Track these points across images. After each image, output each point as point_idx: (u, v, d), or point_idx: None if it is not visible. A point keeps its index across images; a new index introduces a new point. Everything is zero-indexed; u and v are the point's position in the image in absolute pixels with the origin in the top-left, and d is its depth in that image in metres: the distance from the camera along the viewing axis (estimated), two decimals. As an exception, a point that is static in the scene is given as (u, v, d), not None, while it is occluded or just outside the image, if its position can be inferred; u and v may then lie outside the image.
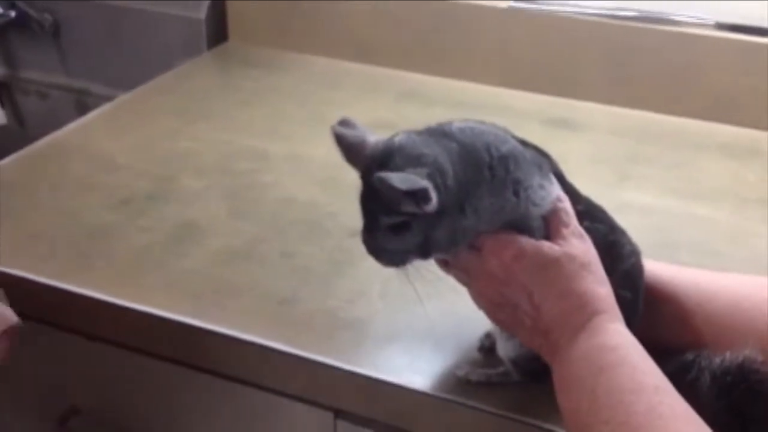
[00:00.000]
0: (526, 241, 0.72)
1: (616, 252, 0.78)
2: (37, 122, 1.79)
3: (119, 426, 1.06)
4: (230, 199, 1.14)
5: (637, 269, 0.80)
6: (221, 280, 0.98)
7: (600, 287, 0.73)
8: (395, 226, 0.71)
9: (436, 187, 0.69)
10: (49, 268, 0.99)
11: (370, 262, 0.75)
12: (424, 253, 0.73)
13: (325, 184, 1.16)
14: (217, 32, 1.61)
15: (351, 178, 0.74)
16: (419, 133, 0.74)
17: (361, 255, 0.74)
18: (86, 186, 1.15)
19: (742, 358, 0.74)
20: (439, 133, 0.73)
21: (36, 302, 1.00)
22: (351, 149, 0.74)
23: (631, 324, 0.73)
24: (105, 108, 1.40)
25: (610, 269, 0.75)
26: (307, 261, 1.02)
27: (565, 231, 0.74)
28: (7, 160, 1.21)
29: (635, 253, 0.80)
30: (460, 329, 0.89)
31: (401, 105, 1.41)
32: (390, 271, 0.75)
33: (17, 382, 1.09)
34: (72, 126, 1.34)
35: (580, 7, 1.41)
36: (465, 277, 0.77)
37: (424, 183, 0.68)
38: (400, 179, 0.67)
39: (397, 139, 0.72)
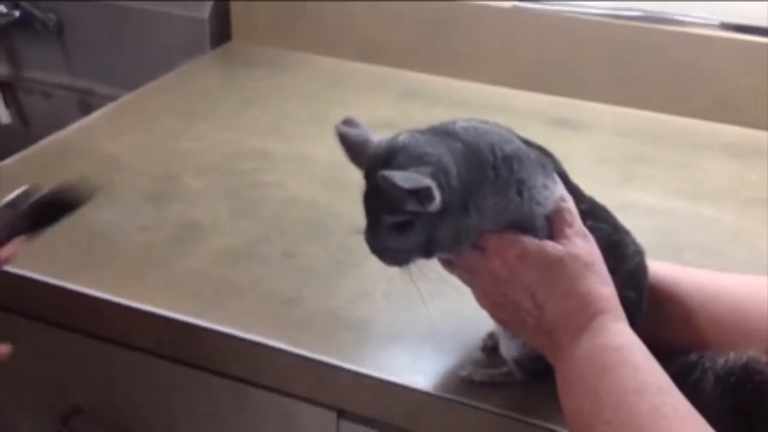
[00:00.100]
0: (529, 241, 0.72)
1: (619, 252, 0.78)
2: (40, 122, 1.79)
3: (121, 425, 1.05)
4: (232, 199, 1.14)
5: (641, 269, 0.80)
6: (223, 280, 0.98)
7: (603, 287, 0.73)
8: (398, 225, 0.71)
9: (440, 186, 0.69)
10: (50, 268, 0.99)
11: (373, 262, 0.74)
12: (428, 253, 0.73)
13: (328, 184, 1.16)
14: (221, 32, 1.61)
15: (354, 178, 0.74)
16: (423, 132, 0.74)
17: (363, 254, 0.74)
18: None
19: (746, 358, 0.73)
20: (442, 133, 0.73)
21: (37, 302, 1.00)
22: (354, 148, 0.74)
23: (634, 324, 0.73)
24: (108, 108, 1.40)
25: (614, 269, 0.75)
26: (309, 261, 1.01)
27: (568, 231, 0.73)
28: (10, 159, 1.21)
29: (639, 253, 0.80)
30: (463, 329, 0.89)
31: (404, 104, 1.41)
32: (393, 271, 0.74)
33: (19, 381, 1.09)
34: (75, 126, 1.34)
35: (584, 7, 1.41)
36: (468, 276, 0.76)
37: (428, 182, 0.68)
38: (403, 178, 0.67)
39: (400, 139, 0.72)
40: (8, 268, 0.99)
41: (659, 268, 0.82)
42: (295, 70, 1.53)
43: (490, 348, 0.86)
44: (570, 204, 0.75)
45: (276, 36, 1.59)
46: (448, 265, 0.77)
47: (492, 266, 0.73)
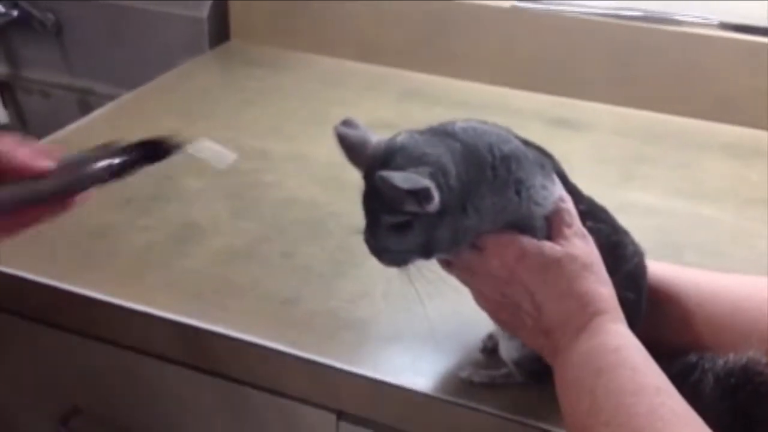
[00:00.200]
0: (528, 241, 0.72)
1: (618, 252, 0.78)
2: (39, 121, 1.79)
3: (120, 426, 1.05)
4: (232, 199, 1.14)
5: (640, 270, 0.80)
6: (223, 280, 0.98)
7: (602, 288, 0.73)
8: (397, 225, 0.71)
9: (439, 187, 0.69)
10: (49, 268, 0.99)
11: (373, 263, 0.74)
12: (427, 253, 0.73)
13: (328, 184, 1.16)
14: (219, 31, 1.61)
15: (354, 178, 0.74)
16: (422, 132, 0.73)
17: (363, 255, 0.74)
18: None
19: (746, 359, 0.73)
20: (441, 133, 0.73)
21: (37, 303, 1.00)
22: (353, 149, 0.74)
23: (633, 325, 0.73)
24: (107, 107, 1.40)
25: (613, 270, 0.75)
26: (308, 261, 1.01)
27: (567, 231, 0.73)
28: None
29: (638, 254, 0.80)
30: (463, 330, 0.89)
31: (404, 104, 1.41)
32: (392, 272, 0.74)
33: (18, 382, 1.09)
34: (74, 125, 1.33)
35: (583, 6, 1.41)
36: (467, 277, 0.76)
37: (427, 182, 0.68)
38: (402, 178, 0.67)
39: (399, 139, 0.72)
40: (7, 269, 0.99)
41: (658, 268, 0.82)
42: (295, 70, 1.53)
43: (490, 349, 0.86)
44: (569, 204, 0.75)
45: (275, 36, 1.59)
46: (447, 265, 0.77)
47: (491, 267, 0.73)
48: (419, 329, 0.90)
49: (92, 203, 1.11)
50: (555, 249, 0.72)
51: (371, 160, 0.72)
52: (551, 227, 0.74)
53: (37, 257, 1.01)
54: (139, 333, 0.95)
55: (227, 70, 1.56)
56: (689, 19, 1.36)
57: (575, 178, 0.79)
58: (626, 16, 1.39)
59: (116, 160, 0.85)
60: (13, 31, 1.76)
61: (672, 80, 1.37)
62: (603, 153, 1.28)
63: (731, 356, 0.74)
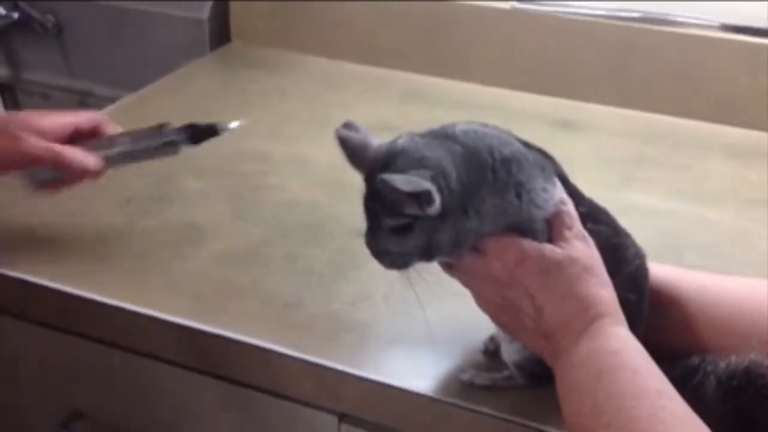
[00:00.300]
0: (528, 244, 0.72)
1: (619, 255, 0.78)
2: (40, 123, 1.79)
3: (122, 429, 1.05)
4: (233, 201, 1.14)
5: (642, 272, 0.80)
6: (224, 283, 0.98)
7: (603, 290, 0.73)
8: (398, 228, 0.71)
9: (440, 190, 0.69)
10: (51, 271, 0.99)
11: (374, 265, 0.74)
12: (427, 256, 0.73)
13: (329, 187, 1.16)
14: (220, 33, 1.61)
15: (355, 180, 0.74)
16: (422, 135, 0.73)
17: (364, 258, 0.74)
18: (88, 187, 1.15)
19: (748, 362, 0.73)
20: (442, 136, 0.73)
21: (38, 305, 1.00)
22: (355, 152, 0.74)
23: (634, 327, 0.73)
24: (108, 109, 1.40)
25: (614, 272, 0.75)
26: (310, 263, 1.01)
27: (568, 234, 0.73)
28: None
29: (639, 256, 0.80)
30: (464, 332, 0.89)
31: (405, 106, 1.41)
32: (393, 275, 0.74)
33: (20, 385, 1.09)
34: (75, 127, 1.33)
35: (584, 8, 1.41)
36: (468, 279, 0.76)
37: (428, 185, 0.68)
38: (403, 181, 0.67)
39: (400, 142, 0.72)
40: (9, 272, 0.99)
41: (660, 270, 0.82)
42: (295, 72, 1.53)
43: (492, 352, 0.86)
44: (569, 207, 0.75)
45: (276, 37, 1.59)
46: (448, 268, 0.77)
47: (491, 269, 0.73)
48: (420, 332, 0.89)
49: (92, 205, 1.12)
50: (556, 251, 0.72)
51: (372, 163, 0.72)
52: (552, 230, 0.74)
53: (38, 260, 1.01)
54: (141, 336, 0.95)
55: (228, 72, 1.56)
56: (690, 21, 1.36)
57: (576, 180, 0.79)
58: (627, 18, 1.39)
59: (170, 138, 1.04)
60: (13, 33, 1.76)
61: (672, 81, 1.37)
62: (604, 155, 1.28)
63: (733, 359, 0.74)
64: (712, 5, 1.36)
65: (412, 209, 0.69)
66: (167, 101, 1.41)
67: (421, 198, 0.68)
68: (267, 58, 1.57)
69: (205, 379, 0.95)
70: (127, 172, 1.16)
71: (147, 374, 0.99)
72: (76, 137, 1.00)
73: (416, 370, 0.85)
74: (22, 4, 1.71)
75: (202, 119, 1.19)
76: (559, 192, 0.75)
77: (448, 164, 0.70)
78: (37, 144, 0.95)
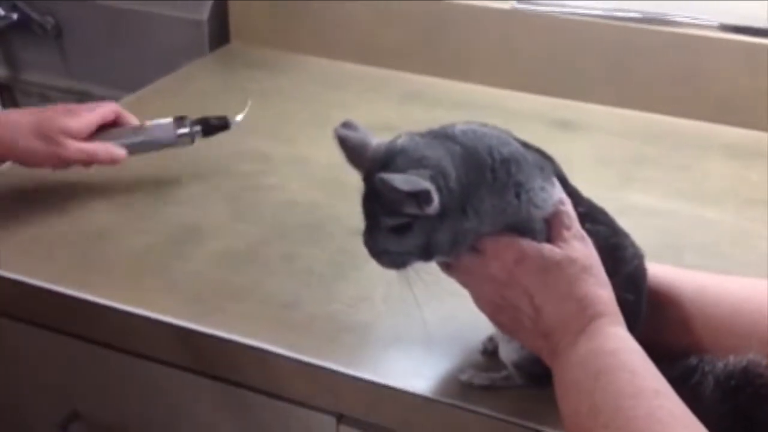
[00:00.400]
0: (527, 244, 0.72)
1: (618, 255, 0.78)
2: (39, 124, 1.79)
3: (119, 430, 1.05)
4: (232, 202, 1.14)
5: (640, 272, 0.80)
6: (223, 283, 0.98)
7: (601, 290, 0.73)
8: (397, 227, 0.71)
9: (438, 189, 0.69)
10: (49, 271, 0.99)
11: (373, 265, 0.74)
12: (426, 255, 0.73)
13: (328, 187, 1.15)
14: (219, 34, 1.61)
15: (354, 180, 0.74)
16: (422, 135, 0.74)
17: (363, 258, 0.74)
18: (86, 188, 1.15)
19: (746, 361, 0.73)
20: (441, 136, 0.73)
21: (36, 306, 1.00)
22: (354, 151, 0.74)
23: (633, 327, 0.73)
24: (107, 110, 1.40)
25: (612, 272, 0.75)
26: (309, 264, 1.01)
27: (566, 233, 0.73)
28: (8, 163, 1.20)
29: (638, 256, 0.80)
30: (463, 333, 0.89)
31: (404, 107, 1.41)
32: (392, 275, 0.74)
33: (17, 386, 1.09)
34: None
35: (583, 8, 1.41)
36: (466, 279, 0.76)
37: (426, 184, 0.68)
38: (402, 180, 0.67)
39: (399, 142, 0.72)
40: (7, 273, 0.99)
41: (658, 270, 0.82)
42: (295, 72, 1.53)
43: (490, 352, 0.86)
44: (568, 207, 0.75)
45: (275, 38, 1.59)
46: (447, 268, 0.77)
47: (490, 269, 0.73)
48: (419, 332, 0.89)
49: (90, 205, 1.12)
50: (554, 251, 0.72)
51: (371, 163, 0.72)
52: (550, 230, 0.74)
53: (36, 261, 1.01)
54: (139, 337, 0.95)
55: (227, 73, 1.56)
56: (689, 21, 1.36)
57: (575, 181, 0.79)
58: (626, 18, 1.39)
59: (186, 130, 1.15)
60: (12, 34, 1.76)
61: (672, 82, 1.37)
62: (603, 155, 1.27)
63: (731, 358, 0.74)
64: (710, 5, 1.36)
65: (410, 209, 0.69)
66: (166, 102, 1.41)
67: (420, 197, 0.68)
68: (266, 58, 1.57)
69: (202, 379, 0.95)
70: (126, 172, 1.16)
71: (144, 375, 0.99)
72: (99, 127, 1.11)
73: (415, 371, 0.85)
74: (21, 5, 1.72)
75: (185, 114, 1.19)
76: (558, 192, 0.75)
77: (448, 164, 0.70)
78: (74, 148, 1.06)
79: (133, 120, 1.14)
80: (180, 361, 0.95)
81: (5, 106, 1.81)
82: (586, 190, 0.80)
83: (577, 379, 0.69)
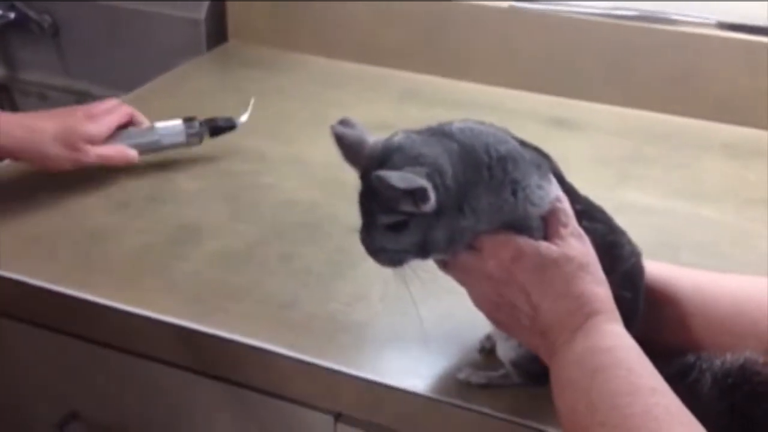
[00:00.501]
0: (524, 242, 0.72)
1: (615, 252, 0.78)
2: (37, 124, 1.78)
3: (118, 430, 1.05)
4: (230, 201, 1.14)
5: (637, 270, 0.80)
6: (221, 283, 0.98)
7: (598, 288, 0.73)
8: (393, 225, 0.71)
9: (435, 187, 0.69)
10: (48, 271, 0.99)
11: (370, 263, 0.74)
12: (423, 253, 0.73)
13: (326, 186, 1.15)
14: (217, 33, 1.61)
15: (352, 179, 0.74)
16: (419, 133, 0.74)
17: (360, 257, 0.74)
18: (85, 188, 1.15)
19: (743, 359, 0.73)
20: (438, 133, 0.73)
21: (35, 306, 0.99)
22: (350, 149, 0.74)
23: (630, 325, 0.73)
24: (105, 109, 1.40)
25: (610, 270, 0.75)
26: (307, 263, 1.01)
27: (563, 231, 0.73)
28: (6, 161, 1.20)
29: (635, 254, 0.80)
30: (460, 331, 0.89)
31: (403, 105, 1.41)
32: (389, 273, 0.74)
33: (16, 386, 1.09)
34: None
35: (581, 7, 1.41)
36: (464, 277, 0.76)
37: (423, 182, 0.68)
38: (398, 178, 0.67)
39: (396, 139, 0.72)
40: (5, 273, 0.99)
41: (656, 268, 0.82)
42: (293, 71, 1.53)
43: (488, 350, 0.86)
44: (565, 204, 0.75)
45: (273, 37, 1.59)
46: (444, 265, 0.77)
47: (487, 267, 0.73)
48: (417, 331, 0.89)
49: (89, 205, 1.12)
50: (551, 249, 0.72)
51: (368, 160, 0.72)
52: (548, 227, 0.74)
53: (35, 261, 1.01)
54: (139, 336, 0.95)
55: (224, 72, 1.55)
56: (687, 19, 1.36)
57: (573, 179, 0.79)
58: (624, 16, 1.38)
59: (195, 131, 1.20)
60: (10, 33, 1.76)
61: (670, 80, 1.37)
62: (601, 153, 1.27)
63: (728, 356, 0.74)
64: (709, 4, 1.36)
65: (407, 206, 0.69)
66: (164, 101, 1.41)
67: (417, 195, 0.68)
68: (264, 57, 1.57)
69: (201, 379, 0.95)
70: (125, 172, 1.17)
71: (143, 375, 0.99)
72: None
73: (413, 370, 0.85)
74: (18, 4, 1.71)
75: (194, 115, 1.20)
76: (555, 190, 0.75)
77: (444, 162, 0.70)
78: (93, 154, 1.11)
79: (144, 121, 1.19)
80: (180, 361, 0.95)
81: (3, 105, 1.81)
82: (584, 189, 0.80)
83: (573, 376, 0.69)
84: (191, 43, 1.59)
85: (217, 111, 1.25)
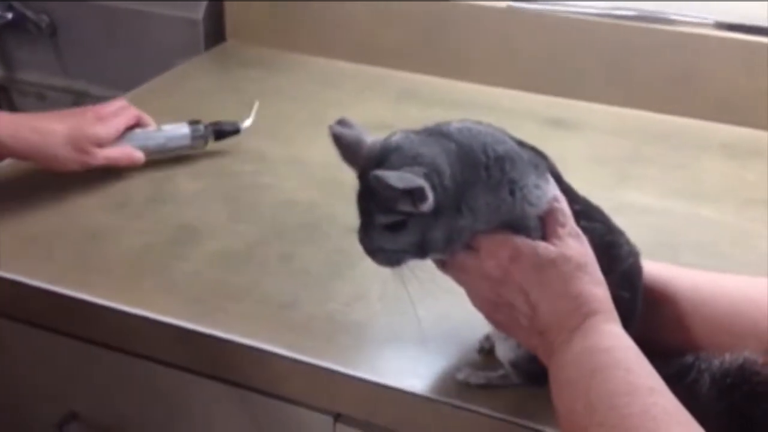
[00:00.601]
0: (522, 242, 0.72)
1: (613, 252, 0.78)
2: (35, 124, 1.78)
3: (117, 431, 1.05)
4: (229, 201, 1.14)
5: (636, 270, 0.80)
6: (220, 283, 0.98)
7: (596, 288, 0.73)
8: (391, 225, 0.71)
9: (433, 187, 0.69)
10: (47, 271, 0.99)
11: (368, 264, 0.74)
12: (421, 253, 0.73)
13: (325, 186, 1.15)
14: (215, 33, 1.61)
15: (350, 179, 0.74)
16: (417, 132, 0.74)
17: (359, 257, 0.74)
18: (84, 188, 1.15)
19: (742, 359, 0.73)
20: (436, 133, 0.73)
21: (34, 306, 0.99)
22: (348, 149, 0.74)
23: (629, 325, 0.73)
24: (104, 109, 1.40)
25: (608, 270, 0.75)
26: (306, 263, 1.01)
27: (561, 231, 0.73)
28: (5, 162, 1.20)
29: (633, 254, 0.80)
30: (459, 332, 0.89)
31: (401, 105, 1.41)
32: (387, 274, 0.74)
33: (15, 387, 1.09)
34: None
35: (579, 7, 1.41)
36: (462, 277, 0.76)
37: (421, 182, 0.68)
38: (396, 178, 0.67)
39: (394, 139, 0.72)
40: (4, 273, 0.99)
41: (654, 268, 0.82)
42: (291, 71, 1.53)
43: (487, 350, 0.86)
44: (563, 204, 0.75)
45: (271, 36, 1.59)
46: (442, 265, 0.77)
47: (485, 267, 0.73)
48: (415, 331, 0.89)
49: (88, 206, 1.12)
50: (549, 249, 0.72)
51: (366, 160, 0.72)
52: (545, 227, 0.74)
53: (34, 261, 1.01)
54: (136, 336, 0.95)
55: (223, 72, 1.55)
56: (685, 19, 1.36)
57: (571, 179, 0.79)
58: (622, 16, 1.38)
59: (200, 134, 1.21)
60: (7, 33, 1.76)
61: (668, 80, 1.37)
62: (599, 153, 1.27)
63: (727, 356, 0.74)
64: (708, 4, 1.36)
65: (405, 206, 0.69)
66: (162, 101, 1.41)
67: (415, 195, 0.68)
68: (262, 57, 1.57)
69: (200, 379, 0.95)
70: (124, 172, 1.17)
71: (142, 375, 0.99)
72: None
73: (411, 370, 0.85)
74: (16, 4, 1.71)
75: (199, 118, 1.20)
76: (553, 189, 0.75)
77: (442, 162, 0.70)
78: (101, 156, 1.12)
79: (151, 123, 1.20)
80: (179, 361, 0.95)
81: (1, 105, 1.81)
82: (582, 189, 0.80)
83: (572, 377, 0.69)
84: (189, 43, 1.59)
85: (216, 111, 1.25)
